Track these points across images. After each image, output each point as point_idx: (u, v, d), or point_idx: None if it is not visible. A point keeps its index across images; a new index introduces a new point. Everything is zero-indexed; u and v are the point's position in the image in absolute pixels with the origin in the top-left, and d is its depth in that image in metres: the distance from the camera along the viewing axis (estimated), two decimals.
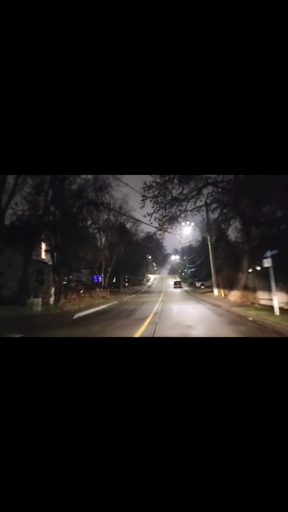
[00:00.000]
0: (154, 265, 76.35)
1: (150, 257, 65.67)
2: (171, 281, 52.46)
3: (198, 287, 34.21)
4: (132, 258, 36.23)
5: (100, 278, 46.61)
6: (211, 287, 27.03)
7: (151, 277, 78.86)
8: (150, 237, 59.60)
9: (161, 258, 67.14)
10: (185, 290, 31.90)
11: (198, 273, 52.36)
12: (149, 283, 60.39)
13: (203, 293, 22.47)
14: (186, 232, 19.14)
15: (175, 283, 39.78)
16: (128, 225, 27.93)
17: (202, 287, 33.56)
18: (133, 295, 24.92)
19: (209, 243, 20.01)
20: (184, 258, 60.96)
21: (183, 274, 65.88)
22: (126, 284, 47.67)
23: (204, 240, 56.98)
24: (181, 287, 37.59)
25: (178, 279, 47.93)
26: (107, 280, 22.32)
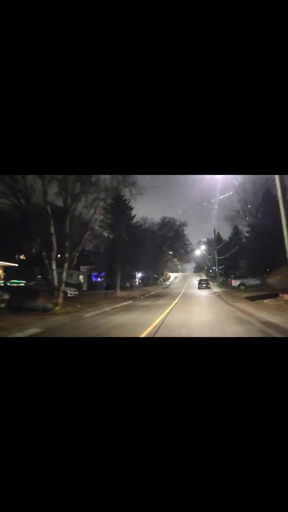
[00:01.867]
0: (177, 262, 64.27)
1: (171, 252, 54.23)
2: (195, 280, 41.11)
3: (235, 288, 22.70)
4: (139, 249, 25.58)
5: (99, 277, 36.75)
6: (259, 288, 15.72)
7: (172, 275, 67.01)
8: (166, 223, 48.20)
9: (182, 252, 54.72)
10: (215, 292, 20.56)
11: (230, 269, 40.53)
12: (168, 282, 48.73)
13: (250, 299, 11.28)
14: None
15: (200, 281, 28.52)
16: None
17: (242, 287, 22.00)
18: (124, 303, 14.34)
19: (278, 189, 8.72)
20: (205, 252, 48.64)
21: (210, 271, 53.72)
22: (137, 283, 37.31)
23: (236, 230, 45.24)
24: (208, 288, 26.46)
25: (204, 277, 36.28)
26: (63, 277, 11.57)
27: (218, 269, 37.92)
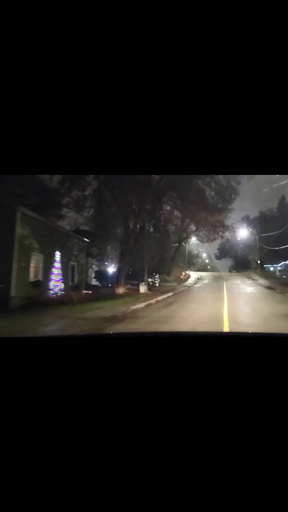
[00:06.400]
0: (202, 254, 31.96)
1: (194, 231, 26.63)
2: (243, 284, 15.40)
3: None
4: None
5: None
6: None
7: (193, 275, 38.73)
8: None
9: (219, 217, 22.08)
10: None
11: None
12: (183, 287, 22.28)
13: None
14: None
15: None
16: None
17: None
18: None
19: None
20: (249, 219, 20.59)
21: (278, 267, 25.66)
22: (55, 291, 12.49)
23: None
24: None
25: None
26: None
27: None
